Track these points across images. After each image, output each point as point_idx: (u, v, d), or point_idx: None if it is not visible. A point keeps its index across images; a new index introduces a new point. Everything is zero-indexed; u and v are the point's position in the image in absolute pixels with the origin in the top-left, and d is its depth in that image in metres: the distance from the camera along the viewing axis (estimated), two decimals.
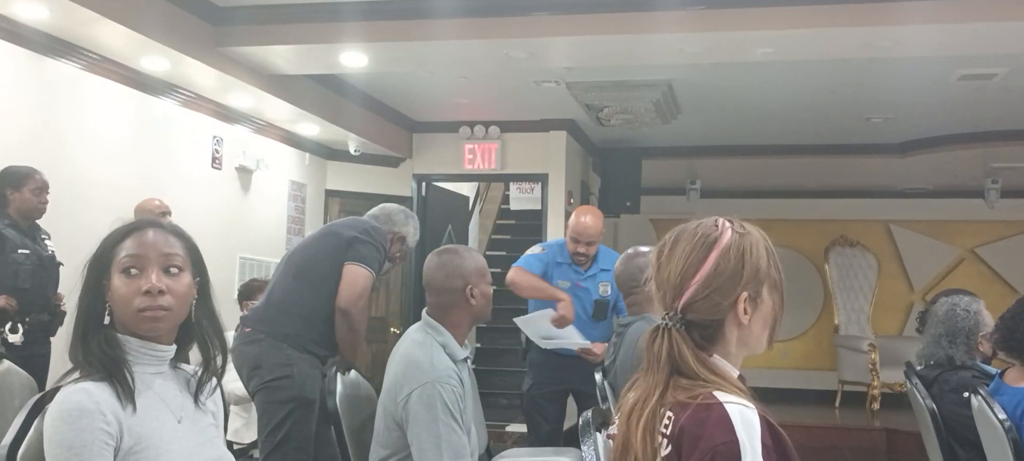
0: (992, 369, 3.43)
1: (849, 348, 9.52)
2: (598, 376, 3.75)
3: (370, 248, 3.76)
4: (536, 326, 4.76)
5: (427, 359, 2.77)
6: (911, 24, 5.00)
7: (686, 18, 5.10)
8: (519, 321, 4.84)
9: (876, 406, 8.73)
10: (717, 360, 1.55)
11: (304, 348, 3.67)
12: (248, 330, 3.75)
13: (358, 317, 3.70)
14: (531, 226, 8.93)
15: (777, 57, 5.60)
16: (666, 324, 1.55)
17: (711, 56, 5.71)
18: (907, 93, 6.87)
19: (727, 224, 1.59)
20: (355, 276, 3.69)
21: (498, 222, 11.00)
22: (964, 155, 8.52)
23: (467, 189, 9.67)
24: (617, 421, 1.60)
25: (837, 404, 9.56)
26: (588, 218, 4.86)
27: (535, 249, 5.07)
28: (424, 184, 8.36)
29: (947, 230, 10.34)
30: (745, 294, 1.54)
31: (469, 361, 2.96)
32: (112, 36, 5.05)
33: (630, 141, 8.57)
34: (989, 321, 3.56)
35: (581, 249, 4.82)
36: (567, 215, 8.04)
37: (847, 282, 10.24)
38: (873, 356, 8.89)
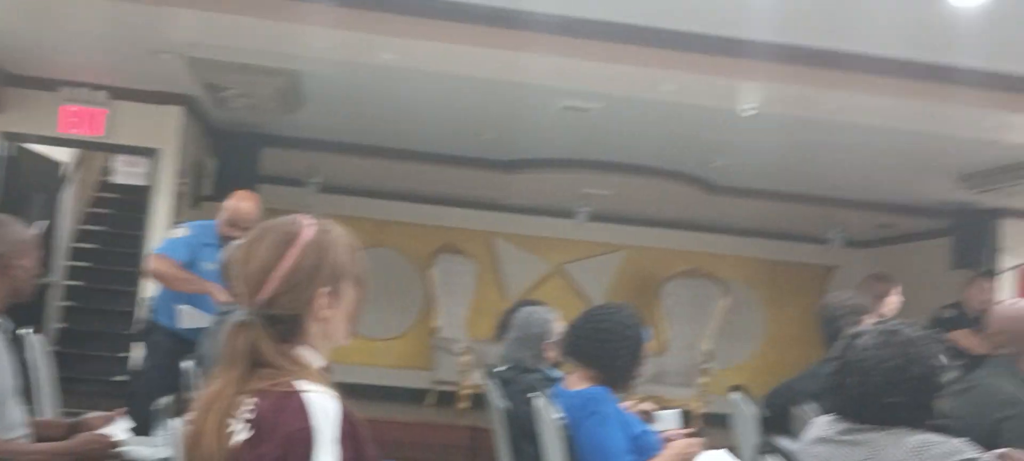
0: (559, 373, 3.86)
1: (445, 350, 10.04)
2: (190, 363, 3.66)
3: None
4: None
5: None
6: (525, 52, 5.38)
7: (316, 11, 5.10)
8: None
9: (465, 405, 9.28)
10: (300, 352, 1.59)
11: None
12: None
13: None
14: (136, 203, 8.42)
15: (400, 64, 5.79)
16: (247, 318, 1.57)
17: (338, 53, 5.77)
18: (515, 115, 7.37)
19: (308, 221, 1.65)
20: None
21: (98, 195, 10.25)
22: (560, 178, 9.32)
23: (65, 156, 8.90)
24: (194, 409, 1.59)
25: (430, 402, 10.02)
26: (248, 204, 4.88)
27: (179, 231, 4.96)
28: (13, 145, 7.56)
29: (541, 246, 11.23)
30: (325, 289, 1.61)
31: (5, 333, 2.87)
32: None
33: (251, 127, 8.37)
34: (559, 330, 4.00)
35: (237, 234, 4.73)
36: (178, 195, 7.68)
37: (449, 287, 10.74)
38: (466, 358, 9.45)
